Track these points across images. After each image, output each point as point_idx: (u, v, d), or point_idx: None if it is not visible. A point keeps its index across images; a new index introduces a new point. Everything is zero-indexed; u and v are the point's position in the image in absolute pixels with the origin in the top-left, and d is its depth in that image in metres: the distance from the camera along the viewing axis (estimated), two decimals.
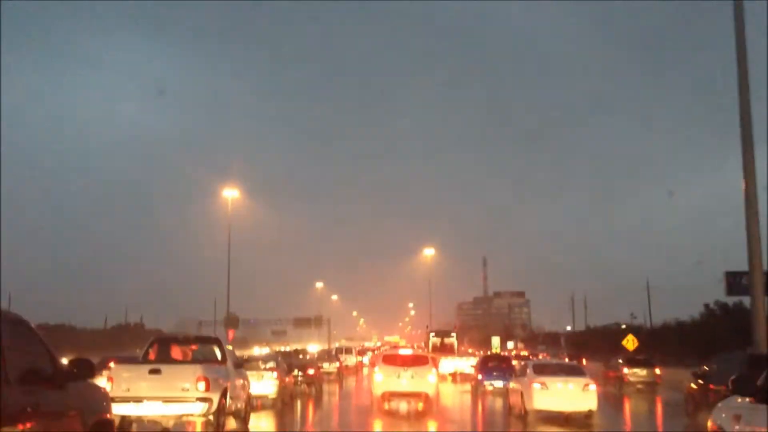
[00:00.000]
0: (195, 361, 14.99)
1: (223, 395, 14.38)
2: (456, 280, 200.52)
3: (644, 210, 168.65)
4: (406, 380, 21.23)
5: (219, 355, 15.51)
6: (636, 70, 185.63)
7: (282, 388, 22.72)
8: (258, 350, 60.03)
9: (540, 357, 56.18)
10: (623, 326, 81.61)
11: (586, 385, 18.96)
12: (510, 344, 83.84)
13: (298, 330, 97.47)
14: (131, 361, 15.33)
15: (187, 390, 13.53)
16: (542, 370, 20.11)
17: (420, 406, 21.41)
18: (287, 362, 30.77)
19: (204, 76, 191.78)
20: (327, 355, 43.08)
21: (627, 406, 27.69)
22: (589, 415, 18.82)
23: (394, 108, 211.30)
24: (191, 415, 13.67)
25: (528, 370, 20.14)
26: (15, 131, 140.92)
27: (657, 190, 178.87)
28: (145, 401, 13.44)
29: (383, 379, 21.51)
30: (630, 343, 38.55)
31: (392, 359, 22.48)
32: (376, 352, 74.60)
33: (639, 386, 33.88)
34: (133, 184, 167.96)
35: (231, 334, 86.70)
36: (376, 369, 22.47)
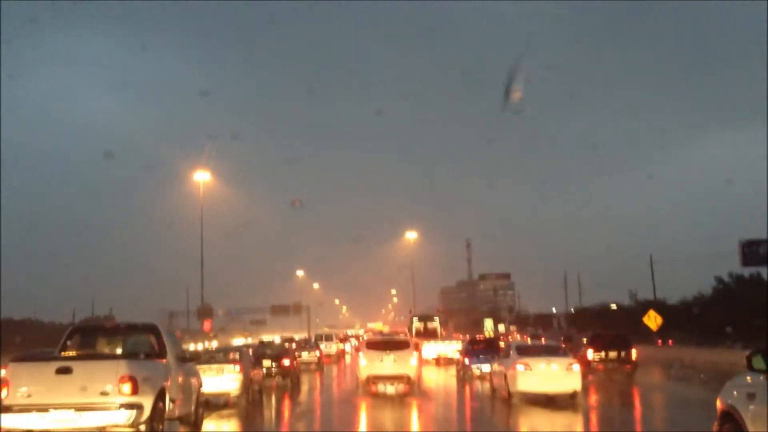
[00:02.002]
0: (120, 355, 11.84)
1: (160, 398, 11.28)
2: (439, 265, 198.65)
3: (637, 189, 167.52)
4: (388, 364, 22.00)
5: (156, 347, 12.35)
6: (630, 40, 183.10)
7: (246, 384, 19.65)
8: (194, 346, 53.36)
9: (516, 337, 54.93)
10: (613, 306, 79.43)
11: (570, 365, 18.80)
12: (501, 327, 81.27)
13: (279, 319, 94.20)
14: (38, 358, 12.16)
15: (107, 394, 10.41)
16: (525, 351, 19.99)
17: (401, 388, 21.69)
18: (261, 352, 27.85)
19: (171, 65, 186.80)
20: (305, 344, 39.83)
21: None
22: (573, 395, 18.61)
23: (370, 90, 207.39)
24: (115, 426, 10.52)
25: (511, 352, 19.93)
26: None
27: (638, 171, 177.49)
28: (51, 410, 10.32)
29: (367, 363, 22.30)
30: (652, 320, 35.57)
31: (375, 344, 23.35)
32: (359, 339, 72.37)
33: None
34: (102, 176, 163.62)
35: (207, 324, 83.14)
36: (361, 354, 23.29)
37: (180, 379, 12.56)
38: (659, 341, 64.21)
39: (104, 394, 10.39)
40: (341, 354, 54.62)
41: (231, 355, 20.55)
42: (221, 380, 19.11)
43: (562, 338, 41.98)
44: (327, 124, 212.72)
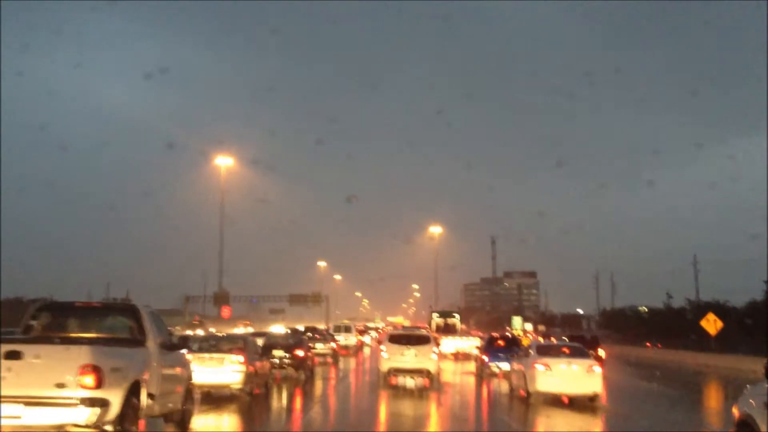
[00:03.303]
0: (85, 339, 9.93)
1: (134, 392, 9.35)
2: (464, 262, 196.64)
3: (673, 192, 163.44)
4: (409, 357, 22.54)
5: (135, 331, 10.43)
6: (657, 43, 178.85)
7: (251, 376, 17.75)
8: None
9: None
10: (643, 309, 76.57)
11: (591, 366, 18.29)
12: (528, 326, 78.92)
13: (298, 309, 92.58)
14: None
15: (65, 386, 8.50)
16: (546, 351, 19.58)
17: (421, 381, 22.29)
18: (272, 342, 26.11)
19: (200, 57, 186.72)
20: (320, 335, 37.82)
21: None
22: (593, 398, 18.14)
23: (398, 84, 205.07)
24: (74, 425, 8.61)
25: (531, 351, 19.57)
26: None
27: (667, 172, 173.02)
28: None
29: (389, 356, 22.85)
30: (711, 324, 32.93)
31: (397, 338, 23.79)
32: (378, 332, 71.70)
33: None
34: (128, 161, 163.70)
35: (227, 311, 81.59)
36: (383, 347, 23.74)
37: (163, 370, 10.62)
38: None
39: (60, 386, 8.48)
40: (360, 346, 52.85)
41: (234, 344, 18.67)
42: (222, 371, 17.30)
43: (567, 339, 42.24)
44: (380, 122, 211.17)
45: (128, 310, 10.69)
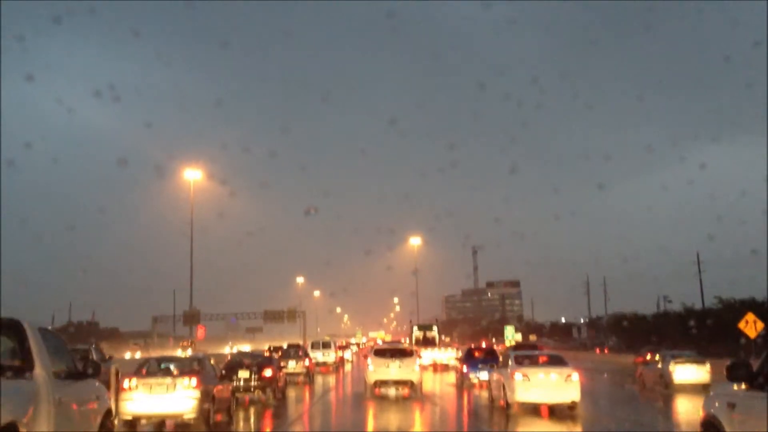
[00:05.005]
0: None
1: None
2: (443, 274, 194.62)
3: (646, 197, 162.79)
4: (394, 370, 23.70)
5: (18, 356, 7.66)
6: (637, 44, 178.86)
7: (207, 402, 14.97)
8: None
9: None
10: (635, 314, 74.72)
11: (569, 375, 18.37)
12: (518, 336, 76.73)
13: (277, 326, 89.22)
14: None
15: None
16: (524, 360, 19.65)
17: (405, 391, 23.58)
18: (237, 362, 23.41)
19: (185, 75, 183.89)
20: (292, 352, 34.63)
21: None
22: (572, 406, 18.23)
23: (373, 96, 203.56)
24: None
25: (510, 361, 19.58)
26: None
27: (647, 181, 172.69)
28: None
29: (374, 369, 23.97)
30: (751, 327, 30.39)
31: (382, 352, 24.87)
32: (359, 347, 70.52)
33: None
34: (81, 178, 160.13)
35: (201, 331, 77.95)
36: (369, 361, 24.78)
37: (57, 407, 7.82)
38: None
39: None
40: (340, 362, 50.07)
41: (187, 366, 15.90)
42: (172, 398, 14.57)
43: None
44: (338, 133, 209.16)
45: (8, 327, 7.89)
